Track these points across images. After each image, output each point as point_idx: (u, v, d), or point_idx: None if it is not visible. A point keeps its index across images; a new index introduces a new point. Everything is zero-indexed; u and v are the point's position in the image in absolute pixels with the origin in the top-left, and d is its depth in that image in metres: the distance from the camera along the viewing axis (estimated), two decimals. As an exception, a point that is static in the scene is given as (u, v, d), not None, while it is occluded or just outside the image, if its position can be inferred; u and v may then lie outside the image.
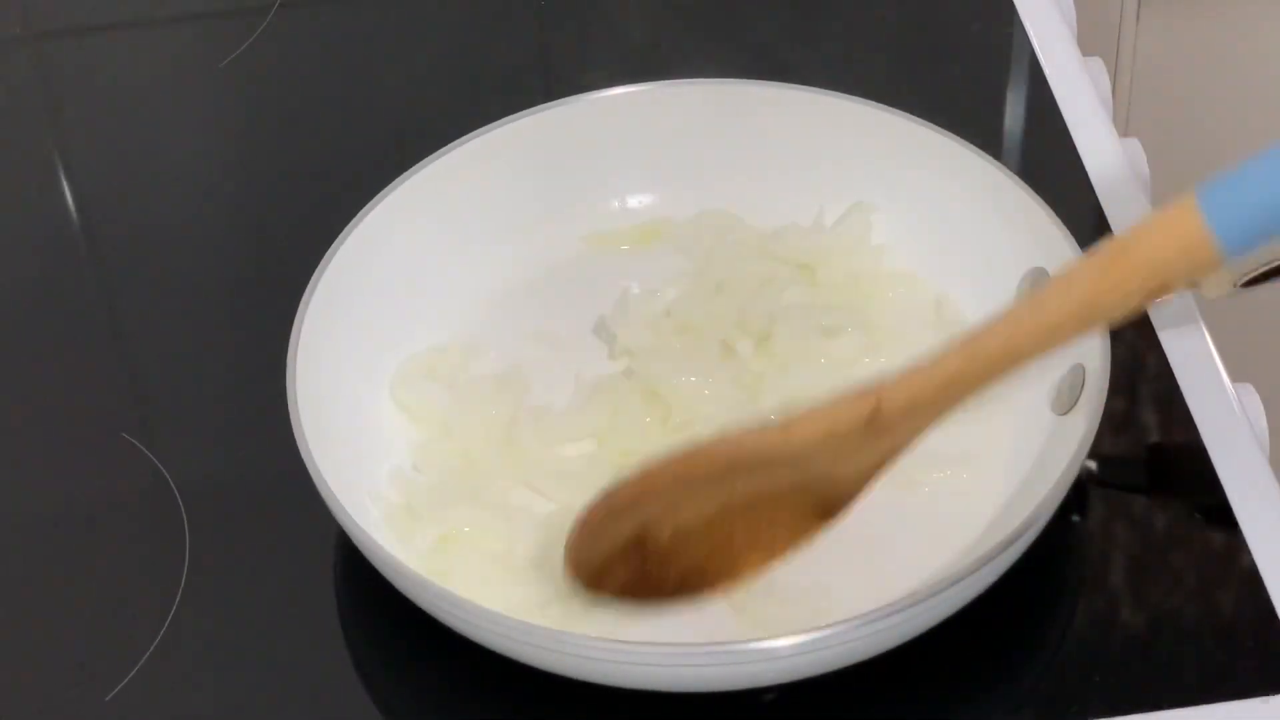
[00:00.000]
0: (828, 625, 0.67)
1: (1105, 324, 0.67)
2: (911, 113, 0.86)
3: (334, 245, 0.81)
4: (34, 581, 0.78)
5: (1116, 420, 0.79)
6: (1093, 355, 0.74)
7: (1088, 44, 1.02)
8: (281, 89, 1.03)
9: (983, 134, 0.88)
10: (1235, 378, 0.81)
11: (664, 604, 0.70)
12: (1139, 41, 1.45)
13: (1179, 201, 0.63)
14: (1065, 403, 0.77)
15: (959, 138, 0.84)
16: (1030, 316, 0.65)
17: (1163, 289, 0.64)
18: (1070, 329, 0.65)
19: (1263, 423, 0.81)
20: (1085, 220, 0.87)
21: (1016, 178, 0.82)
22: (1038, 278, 0.81)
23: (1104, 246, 0.65)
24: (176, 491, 0.80)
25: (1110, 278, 0.64)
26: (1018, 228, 0.81)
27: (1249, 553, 0.74)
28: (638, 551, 0.69)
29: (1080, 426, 0.72)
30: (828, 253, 0.86)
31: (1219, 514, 0.76)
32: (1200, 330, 0.83)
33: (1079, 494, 0.76)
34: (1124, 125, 1.45)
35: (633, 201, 0.89)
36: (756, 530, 0.69)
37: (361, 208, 0.83)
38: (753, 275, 0.85)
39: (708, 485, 0.68)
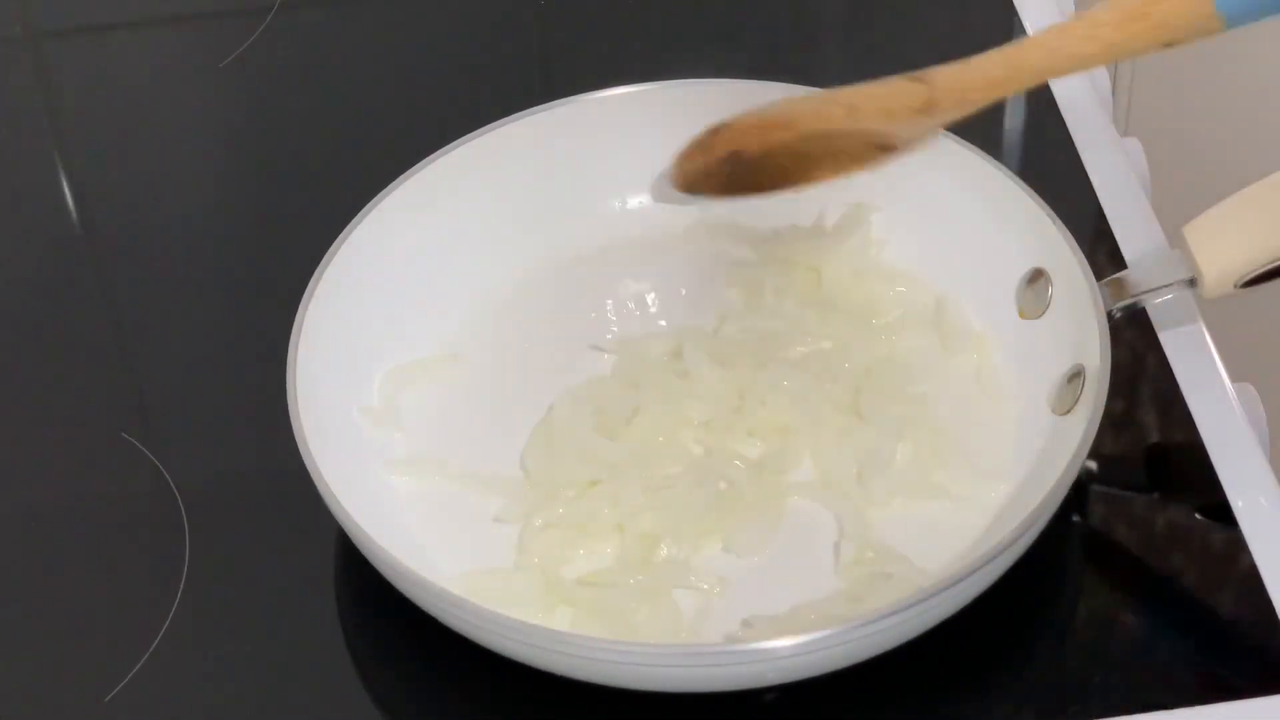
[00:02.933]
0: (828, 625, 0.67)
1: (1114, 61, 0.76)
2: (911, 112, 0.86)
3: (334, 245, 0.81)
4: (34, 581, 0.78)
5: (1116, 420, 0.79)
6: (1092, 355, 0.74)
7: (1088, 44, 1.02)
8: (281, 89, 1.03)
9: (983, 134, 0.88)
10: (1235, 378, 0.81)
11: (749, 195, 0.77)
12: (1139, 41, 1.44)
13: None
14: (1065, 403, 0.77)
15: (959, 138, 0.84)
16: (1063, 43, 0.71)
17: (1167, 45, 0.70)
18: (1094, 62, 0.71)
19: (1263, 423, 0.81)
20: (1085, 220, 0.88)
21: (1016, 178, 0.82)
22: (1037, 278, 0.81)
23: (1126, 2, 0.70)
24: (176, 491, 0.80)
25: (1130, 28, 0.69)
26: (1018, 228, 0.81)
27: (1249, 553, 0.74)
28: (731, 160, 0.76)
29: (1080, 427, 0.72)
30: (829, 254, 0.86)
31: (1219, 514, 0.76)
32: (1200, 330, 0.83)
33: (1079, 494, 0.76)
34: (1124, 125, 1.45)
35: (632, 202, 0.89)
36: (828, 153, 0.75)
37: (361, 208, 0.83)
38: (752, 279, 0.86)
39: (785, 130, 0.76)
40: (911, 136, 0.74)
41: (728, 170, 0.76)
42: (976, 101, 0.73)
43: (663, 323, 0.85)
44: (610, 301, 0.86)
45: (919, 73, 0.73)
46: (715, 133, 0.77)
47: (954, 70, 0.73)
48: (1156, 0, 0.69)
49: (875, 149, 0.75)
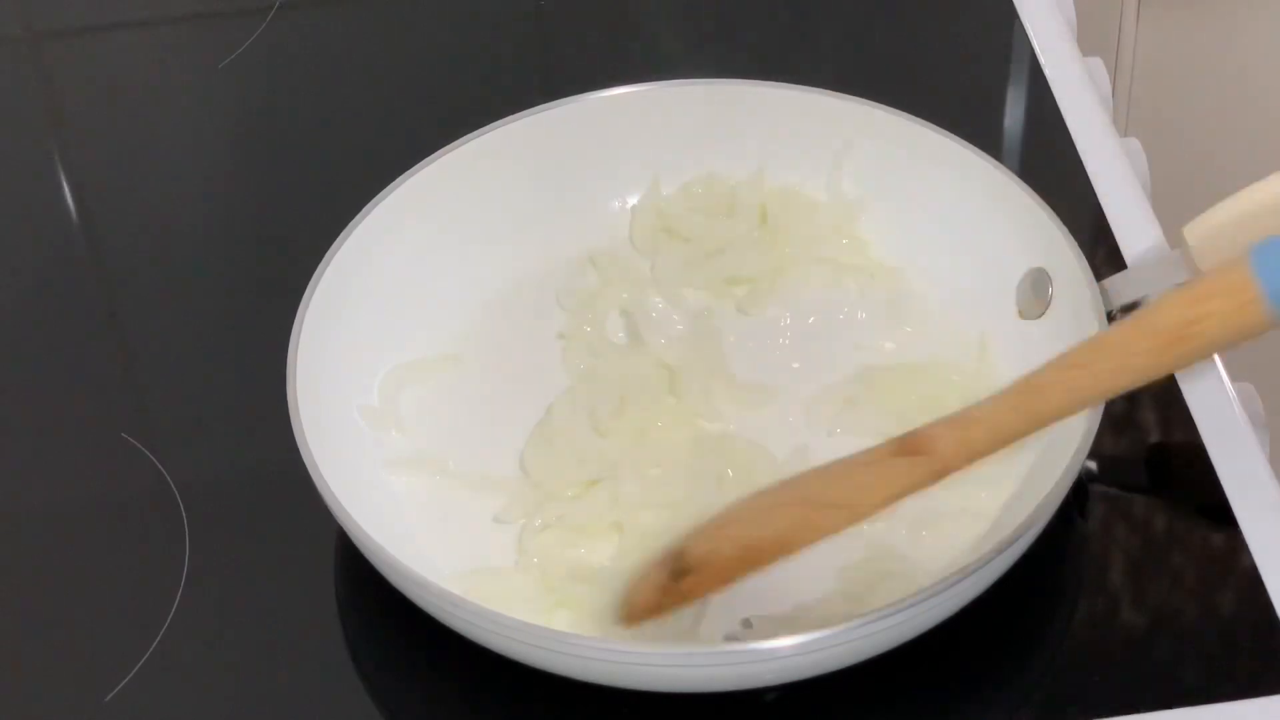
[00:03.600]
0: (828, 625, 0.67)
1: (1146, 373, 0.67)
2: (911, 113, 0.86)
3: (334, 245, 0.81)
4: (34, 581, 0.78)
5: (1116, 420, 0.79)
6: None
7: (1088, 44, 1.02)
8: (281, 89, 1.03)
9: (983, 134, 0.88)
10: (1235, 378, 0.81)
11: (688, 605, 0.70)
12: (1139, 41, 1.45)
13: (1232, 264, 0.63)
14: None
15: (959, 138, 0.84)
16: (1088, 379, 0.66)
17: (1203, 342, 0.65)
18: (1124, 386, 0.66)
19: (1263, 423, 0.81)
20: (1085, 220, 0.88)
21: (1016, 178, 0.82)
22: (1037, 278, 0.81)
23: (1159, 305, 0.65)
24: (176, 491, 0.80)
25: (1173, 352, 0.65)
26: (1018, 228, 0.81)
27: (1249, 553, 0.74)
28: (668, 566, 0.69)
29: (1080, 426, 0.72)
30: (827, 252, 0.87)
31: (1219, 514, 0.76)
32: (1200, 330, 0.82)
33: (1079, 494, 0.76)
34: (1124, 125, 1.45)
35: (632, 201, 0.89)
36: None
37: (361, 208, 0.83)
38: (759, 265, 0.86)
39: (757, 555, 0.69)
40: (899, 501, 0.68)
41: (668, 576, 0.69)
42: (978, 459, 0.67)
43: (662, 323, 0.85)
44: (610, 301, 0.86)
45: (913, 439, 0.67)
46: (675, 583, 0.69)
47: (957, 432, 0.67)
48: (1202, 317, 0.63)
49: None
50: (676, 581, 0.69)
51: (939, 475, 0.67)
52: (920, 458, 0.67)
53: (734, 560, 0.69)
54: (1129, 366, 0.65)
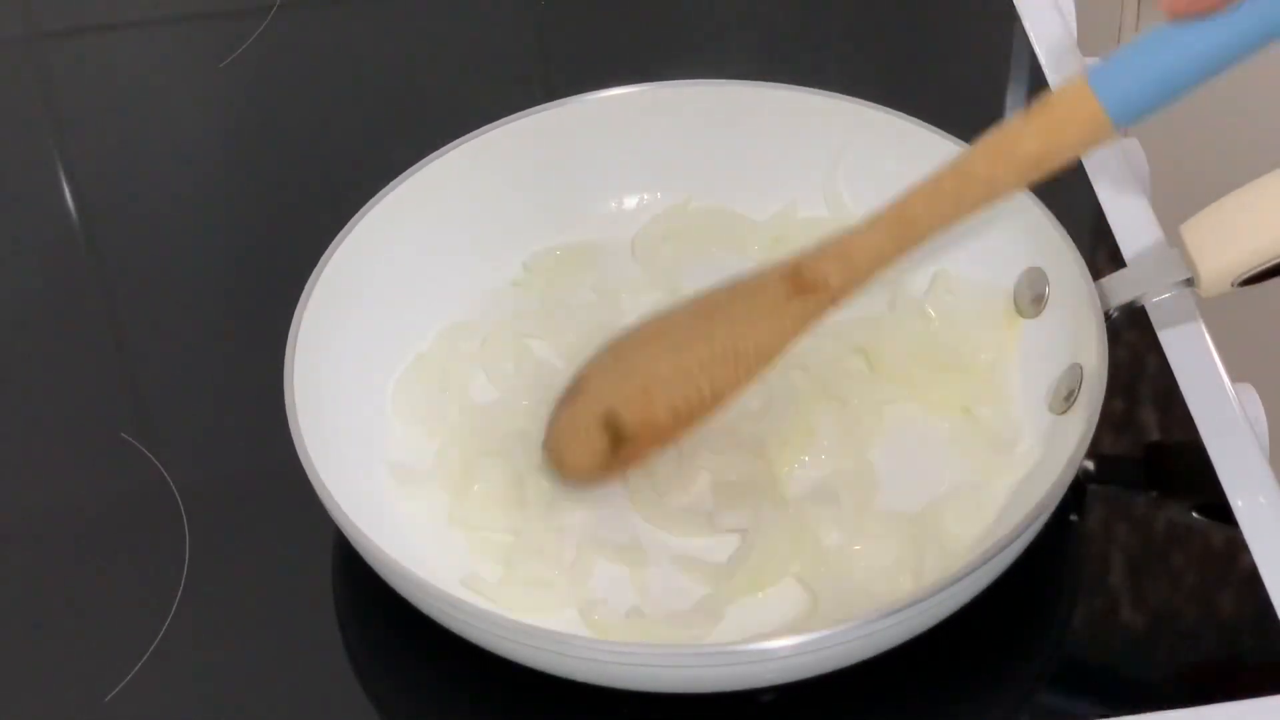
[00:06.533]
0: (828, 625, 0.67)
1: (1007, 195, 0.72)
2: (911, 113, 0.86)
3: (333, 245, 0.81)
4: (33, 582, 0.78)
5: (1116, 420, 0.79)
6: (1090, 355, 0.74)
7: (1088, 44, 1.02)
8: (281, 89, 1.03)
9: (982, 134, 0.88)
10: (1235, 378, 0.81)
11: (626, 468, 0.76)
12: (1139, 41, 1.44)
13: (1072, 82, 0.68)
14: (1063, 403, 0.77)
15: (958, 139, 0.84)
16: (948, 187, 0.71)
17: (1058, 163, 0.69)
18: (985, 209, 0.71)
19: (1263, 423, 0.81)
20: (1085, 220, 0.88)
21: (1015, 178, 0.82)
22: (1034, 277, 0.81)
23: (1008, 124, 0.70)
24: (176, 491, 0.80)
25: (1017, 154, 0.69)
26: (1016, 227, 0.81)
27: (1249, 553, 0.74)
28: (606, 433, 0.75)
29: (1079, 426, 0.72)
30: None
31: (1219, 514, 0.76)
32: (1200, 330, 0.83)
33: (1078, 494, 0.76)
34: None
35: (631, 202, 0.89)
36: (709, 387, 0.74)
37: (361, 208, 0.83)
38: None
39: (650, 363, 0.75)
40: (783, 333, 0.73)
41: (606, 444, 0.75)
42: (866, 282, 0.72)
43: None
44: (609, 301, 0.86)
45: (804, 279, 0.72)
46: (614, 452, 0.74)
47: (842, 264, 0.72)
48: (1058, 146, 0.68)
49: (748, 366, 0.74)
50: (614, 450, 0.74)
51: (832, 305, 0.72)
52: (814, 295, 0.72)
53: (668, 425, 0.74)
54: (993, 194, 0.70)
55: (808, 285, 0.72)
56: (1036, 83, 0.97)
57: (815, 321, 0.73)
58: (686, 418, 0.75)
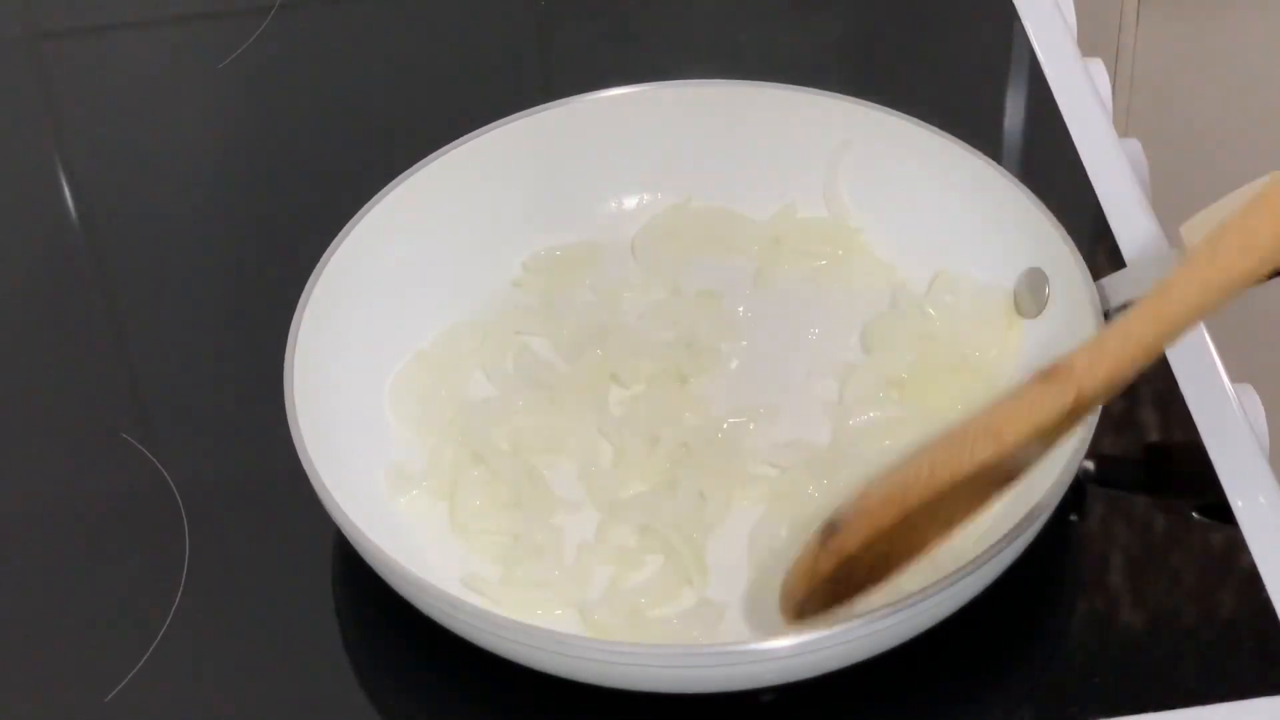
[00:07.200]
0: (828, 625, 0.67)
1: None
2: (911, 113, 0.86)
3: (333, 245, 0.81)
4: (34, 581, 0.78)
5: (1116, 420, 0.79)
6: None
7: (1088, 44, 1.02)
8: (281, 89, 1.03)
9: (983, 134, 0.88)
10: (1235, 378, 0.81)
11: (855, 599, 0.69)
12: (1139, 42, 1.45)
13: None
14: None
15: (957, 138, 0.84)
16: (1208, 278, 0.67)
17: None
18: (1227, 296, 0.67)
19: (1263, 423, 0.81)
20: (1085, 220, 0.88)
21: (1013, 178, 0.82)
22: (1034, 277, 0.81)
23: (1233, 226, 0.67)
24: (176, 491, 0.80)
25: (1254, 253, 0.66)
26: (1017, 228, 0.81)
27: (1249, 553, 0.74)
28: (840, 570, 0.68)
29: (1079, 426, 0.72)
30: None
31: (1219, 514, 0.76)
32: (1200, 330, 0.82)
33: (1077, 494, 0.76)
34: (1124, 125, 1.45)
35: (631, 202, 0.89)
36: (943, 514, 0.68)
37: (360, 208, 0.83)
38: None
39: (925, 510, 0.67)
40: (1047, 448, 0.68)
41: (833, 587, 0.68)
42: (1122, 381, 0.67)
43: (663, 323, 0.85)
44: (609, 301, 0.86)
45: (1051, 366, 0.66)
46: (824, 547, 0.67)
47: (1090, 349, 0.67)
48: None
49: (992, 486, 0.68)
50: (826, 544, 0.67)
51: (1079, 398, 0.66)
52: (1057, 380, 0.66)
53: (880, 504, 0.67)
54: (1221, 287, 0.66)
55: (1051, 373, 0.66)
56: (1036, 83, 0.97)
57: (1059, 411, 0.66)
58: (900, 501, 0.67)
